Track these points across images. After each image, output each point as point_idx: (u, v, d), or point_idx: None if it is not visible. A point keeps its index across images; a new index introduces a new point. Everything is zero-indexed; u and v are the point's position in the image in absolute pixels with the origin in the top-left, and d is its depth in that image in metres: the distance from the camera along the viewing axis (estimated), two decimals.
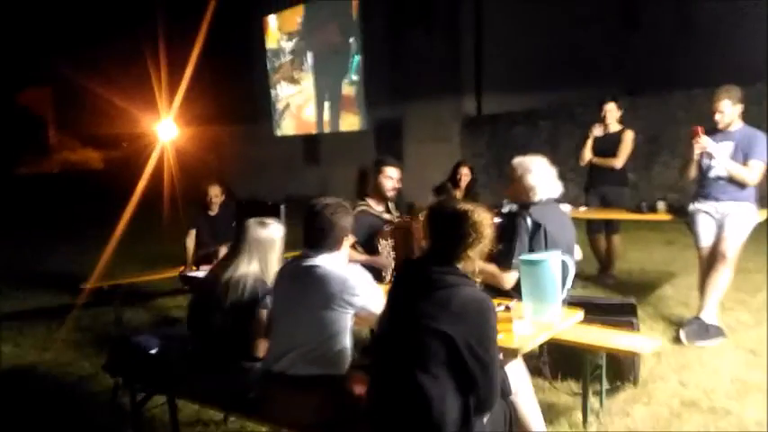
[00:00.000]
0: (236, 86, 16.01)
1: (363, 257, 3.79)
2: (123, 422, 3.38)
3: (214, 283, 2.73)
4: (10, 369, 4.55)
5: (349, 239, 2.53)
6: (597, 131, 5.73)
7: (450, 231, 2.09)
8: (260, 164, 15.88)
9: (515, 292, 2.96)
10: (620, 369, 3.47)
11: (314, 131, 15.30)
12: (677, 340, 4.11)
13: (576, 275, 5.72)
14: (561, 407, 3.36)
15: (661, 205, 5.07)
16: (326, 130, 15.03)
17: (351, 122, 14.30)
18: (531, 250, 3.08)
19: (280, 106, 16.07)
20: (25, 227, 12.46)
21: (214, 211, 5.75)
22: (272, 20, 15.82)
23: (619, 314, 3.57)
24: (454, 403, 1.95)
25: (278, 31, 15.68)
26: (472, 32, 12.04)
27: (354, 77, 14.01)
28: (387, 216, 4.04)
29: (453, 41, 12.22)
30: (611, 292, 5.35)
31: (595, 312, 3.54)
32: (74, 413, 3.72)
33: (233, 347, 2.63)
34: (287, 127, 16.07)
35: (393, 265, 3.77)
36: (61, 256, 8.93)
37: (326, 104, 14.85)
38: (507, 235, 3.08)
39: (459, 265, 2.09)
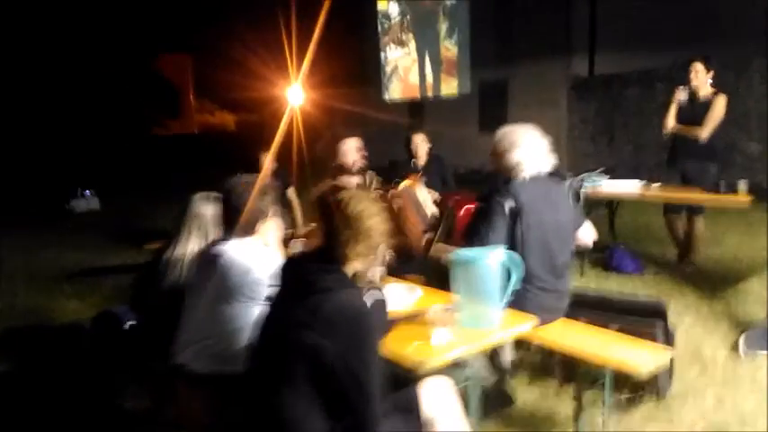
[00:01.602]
0: (351, 50, 16.00)
1: None
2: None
3: (157, 260, 2.62)
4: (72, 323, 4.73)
5: (268, 223, 2.29)
6: (682, 95, 4.95)
7: (325, 225, 1.80)
8: (368, 128, 15.86)
9: None
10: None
11: (418, 95, 14.95)
12: (736, 347, 3.48)
13: (652, 261, 5.17)
14: (561, 419, 2.95)
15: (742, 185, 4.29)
16: (429, 93, 14.61)
17: (454, 86, 13.77)
18: (512, 236, 2.70)
19: (388, 69, 15.84)
20: (163, 185, 13.02)
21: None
22: None
23: (641, 316, 3.05)
24: (320, 427, 1.70)
25: None
26: None
27: (457, 39, 13.42)
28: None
29: None
30: (685, 283, 4.68)
31: (614, 312, 3.07)
32: None
33: (163, 333, 2.52)
34: (394, 91, 15.84)
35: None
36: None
37: (428, 68, 14.41)
38: (480, 218, 2.73)
39: (347, 266, 1.79)
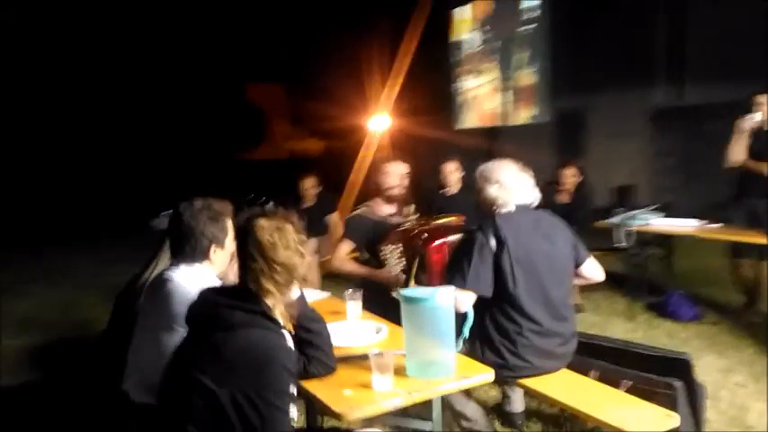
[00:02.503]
0: (428, 79, 16.04)
1: (361, 270, 3.36)
2: None
3: (134, 282, 2.58)
4: None
5: (220, 250, 2.17)
6: (748, 124, 4.47)
7: (239, 253, 1.66)
8: (442, 156, 15.70)
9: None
10: None
11: (493, 124, 14.65)
12: None
13: (713, 307, 4.66)
14: None
15: None
16: (504, 122, 14.29)
17: (530, 114, 13.39)
18: (499, 272, 2.50)
19: (463, 97, 15.68)
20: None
21: (308, 203, 5.74)
22: (456, 12, 15.44)
23: (660, 373, 2.68)
24: None
25: (465, 22, 15.27)
26: (666, 13, 10.42)
27: (536, 66, 13.07)
28: (395, 219, 3.50)
29: (644, 24, 10.72)
30: (745, 335, 4.17)
31: (631, 365, 2.73)
32: None
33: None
34: (468, 120, 15.63)
35: (403, 278, 3.25)
36: None
37: (506, 95, 14.11)
38: (463, 253, 2.56)
39: (268, 300, 1.64)
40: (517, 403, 3.13)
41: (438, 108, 16.55)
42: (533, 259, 2.54)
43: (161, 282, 2.11)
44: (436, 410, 2.08)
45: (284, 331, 1.66)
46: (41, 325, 5.21)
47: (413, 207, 3.64)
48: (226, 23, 18.14)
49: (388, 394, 1.83)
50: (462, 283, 2.49)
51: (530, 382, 2.58)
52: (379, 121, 14.39)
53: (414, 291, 1.98)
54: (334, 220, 5.81)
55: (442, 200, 4.93)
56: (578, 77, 11.94)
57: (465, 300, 2.50)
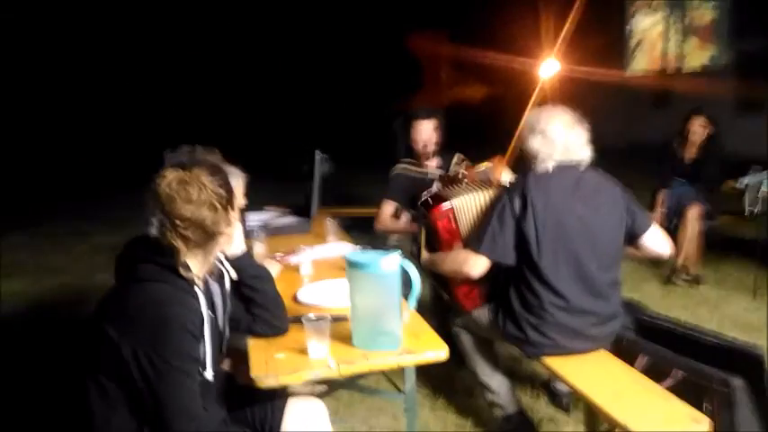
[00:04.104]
0: (598, 21, 14.86)
1: (399, 226, 3.24)
2: None
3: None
4: None
5: None
6: None
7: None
8: (606, 105, 14.53)
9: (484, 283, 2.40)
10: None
11: (666, 67, 13.15)
12: None
13: None
14: None
15: None
16: (679, 65, 12.75)
17: (707, 56, 11.80)
18: (521, 237, 2.20)
19: (634, 41, 14.21)
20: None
21: None
22: None
23: (726, 367, 2.23)
24: (125, 426, 1.54)
25: None
26: None
27: (714, 3, 11.39)
28: (436, 172, 3.36)
29: None
30: None
31: (693, 353, 2.30)
32: None
33: None
34: (640, 63, 14.18)
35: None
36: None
37: (681, 36, 12.52)
38: (486, 218, 2.29)
39: (184, 256, 1.56)
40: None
41: (609, 51, 15.30)
42: (566, 226, 2.20)
43: None
44: (410, 382, 1.91)
45: (196, 289, 1.57)
46: None
47: (457, 156, 3.47)
48: None
49: (315, 363, 1.69)
50: (476, 246, 2.26)
51: (552, 361, 2.28)
52: (548, 66, 13.55)
53: (358, 254, 1.78)
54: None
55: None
56: (764, 15, 10.23)
57: (476, 264, 2.26)
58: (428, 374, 3.12)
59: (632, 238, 2.37)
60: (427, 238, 2.52)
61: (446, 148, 3.49)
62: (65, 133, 14.19)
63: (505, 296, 2.35)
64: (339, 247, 2.82)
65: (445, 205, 2.43)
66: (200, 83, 16.71)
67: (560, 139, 2.24)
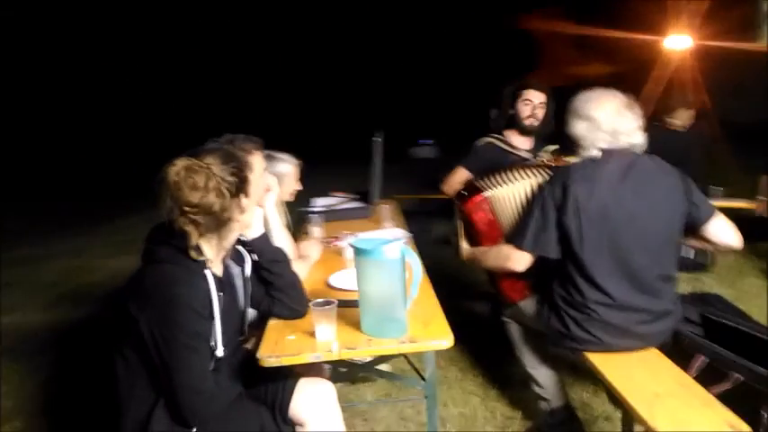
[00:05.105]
0: None
1: None
2: None
3: None
4: None
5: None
6: None
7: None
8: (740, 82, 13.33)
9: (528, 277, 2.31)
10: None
11: None
12: None
13: None
14: None
15: None
16: None
17: None
18: (562, 228, 2.08)
19: None
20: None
21: None
22: None
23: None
24: (145, 398, 1.66)
25: None
26: None
27: None
28: (524, 154, 3.14)
29: None
30: None
31: (756, 356, 2.10)
32: None
33: None
34: None
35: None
36: None
37: None
38: (528, 211, 2.20)
39: (196, 240, 1.64)
40: None
41: (745, 25, 13.99)
42: (612, 218, 2.05)
43: None
44: (430, 369, 1.90)
45: (207, 272, 1.64)
46: None
47: (553, 147, 3.16)
48: None
49: (319, 346, 1.72)
50: (520, 241, 2.16)
51: (595, 357, 2.15)
52: (678, 41, 12.61)
53: (364, 240, 1.76)
54: None
55: None
56: None
57: (520, 260, 2.18)
58: (481, 365, 3.07)
59: (694, 228, 2.18)
60: (466, 230, 2.46)
61: (546, 137, 3.24)
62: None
63: (549, 289, 2.25)
64: (389, 233, 2.82)
65: (480, 197, 2.35)
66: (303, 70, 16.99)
67: (607, 125, 2.09)
